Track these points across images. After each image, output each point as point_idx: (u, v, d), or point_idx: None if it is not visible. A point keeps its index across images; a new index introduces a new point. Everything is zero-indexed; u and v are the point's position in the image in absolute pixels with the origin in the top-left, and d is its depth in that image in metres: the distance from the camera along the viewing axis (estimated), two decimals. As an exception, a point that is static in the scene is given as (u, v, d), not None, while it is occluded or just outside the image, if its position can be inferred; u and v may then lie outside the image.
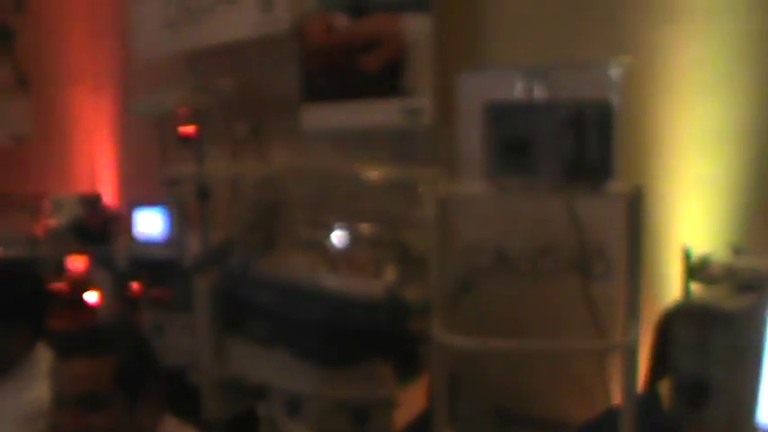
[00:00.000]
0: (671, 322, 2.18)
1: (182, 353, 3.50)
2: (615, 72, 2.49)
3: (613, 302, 2.41)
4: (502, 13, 3.10)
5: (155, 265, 3.74)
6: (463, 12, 3.17)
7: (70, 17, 5.86)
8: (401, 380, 2.91)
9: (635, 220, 2.19)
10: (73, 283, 4.75)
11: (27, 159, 6.08)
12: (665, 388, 2.24)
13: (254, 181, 3.80)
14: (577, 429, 2.55)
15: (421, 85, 3.12)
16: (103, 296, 4.16)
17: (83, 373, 1.75)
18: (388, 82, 3.21)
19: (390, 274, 2.87)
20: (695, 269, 2.31)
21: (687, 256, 2.33)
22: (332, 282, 2.96)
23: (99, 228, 4.94)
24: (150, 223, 3.85)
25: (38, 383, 2.10)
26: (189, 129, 3.68)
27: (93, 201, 5.22)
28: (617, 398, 2.34)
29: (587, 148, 2.09)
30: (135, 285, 3.89)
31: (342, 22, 3.39)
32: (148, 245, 3.83)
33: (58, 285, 4.69)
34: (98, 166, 5.66)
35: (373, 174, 3.23)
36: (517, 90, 2.58)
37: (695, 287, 2.31)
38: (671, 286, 2.50)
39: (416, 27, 3.10)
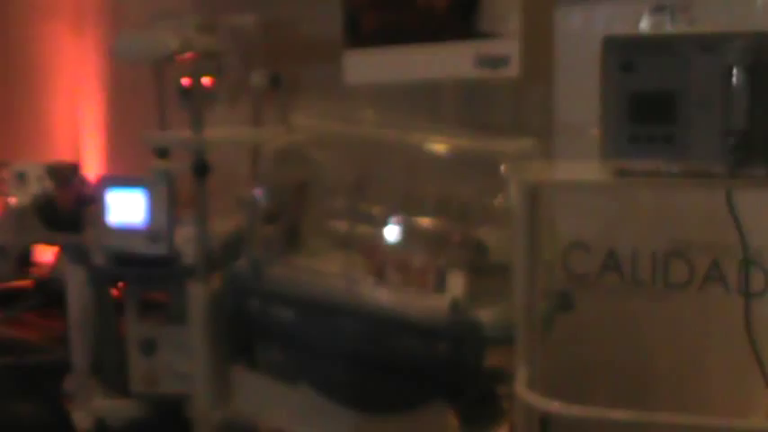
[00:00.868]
0: None
1: (178, 378, 3.32)
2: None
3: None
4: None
5: (139, 262, 3.42)
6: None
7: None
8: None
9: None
10: (39, 282, 4.65)
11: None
12: None
13: (273, 152, 3.33)
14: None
15: (504, 24, 3.08)
16: (75, 300, 3.86)
17: None
18: (459, 21, 3.19)
19: (458, 287, 2.58)
20: None
21: None
22: (377, 295, 2.70)
23: (72, 209, 4.64)
24: (129, 207, 3.50)
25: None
26: (196, 80, 3.36)
27: (66, 172, 4.92)
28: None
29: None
30: (117, 287, 3.66)
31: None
32: (126, 235, 3.48)
33: (20, 284, 4.66)
34: (79, 129, 5.55)
35: (438, 146, 2.89)
36: (643, 30, 2.43)
37: None
38: None
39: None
